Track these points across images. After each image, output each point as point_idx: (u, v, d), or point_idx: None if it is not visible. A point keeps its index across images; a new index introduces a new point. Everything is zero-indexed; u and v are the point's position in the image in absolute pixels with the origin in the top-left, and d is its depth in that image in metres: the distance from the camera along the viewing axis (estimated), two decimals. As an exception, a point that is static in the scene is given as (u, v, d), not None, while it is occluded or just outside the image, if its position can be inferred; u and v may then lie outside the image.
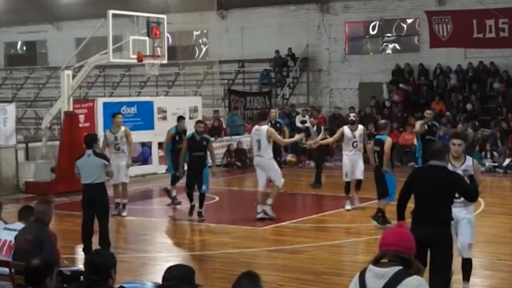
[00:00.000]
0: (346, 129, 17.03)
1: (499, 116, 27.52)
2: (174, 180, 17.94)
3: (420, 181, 8.68)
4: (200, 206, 15.94)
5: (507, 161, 24.32)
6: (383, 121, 17.15)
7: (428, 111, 19.22)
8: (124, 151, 17.09)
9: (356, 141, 16.95)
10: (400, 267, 4.90)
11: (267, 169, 16.01)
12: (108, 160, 13.11)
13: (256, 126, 16.40)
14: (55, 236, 8.94)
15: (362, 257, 12.17)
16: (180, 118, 18.47)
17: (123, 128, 17.21)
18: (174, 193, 18.07)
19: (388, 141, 15.18)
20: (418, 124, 18.56)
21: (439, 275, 8.37)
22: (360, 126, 17.36)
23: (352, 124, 17.08)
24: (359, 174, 16.99)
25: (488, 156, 24.77)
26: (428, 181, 8.57)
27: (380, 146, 15.07)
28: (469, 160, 9.71)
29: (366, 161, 16.92)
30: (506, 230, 14.51)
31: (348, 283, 5.18)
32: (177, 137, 17.75)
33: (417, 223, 8.38)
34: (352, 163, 16.89)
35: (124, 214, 16.74)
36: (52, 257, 8.74)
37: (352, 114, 18.06)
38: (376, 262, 5.00)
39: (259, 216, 15.84)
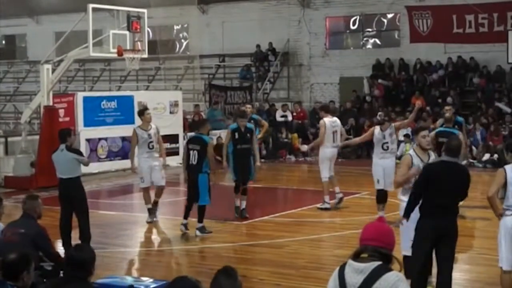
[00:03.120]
0: (376, 129, 15.09)
1: (478, 111, 27.67)
2: (237, 187, 15.87)
3: (437, 177, 8.77)
4: (199, 220, 14.11)
5: (486, 155, 24.46)
6: (447, 114, 16.19)
7: (447, 107, 17.46)
8: (157, 151, 15.76)
9: (387, 143, 14.98)
10: (380, 262, 4.92)
11: (333, 160, 16.75)
12: (81, 154, 13.03)
13: (330, 118, 16.67)
14: (45, 229, 9.05)
15: (342, 252, 12.20)
16: (241, 115, 16.25)
17: (154, 125, 15.72)
18: (238, 203, 15.86)
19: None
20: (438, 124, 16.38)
21: (449, 264, 8.85)
22: (392, 124, 15.30)
23: (382, 124, 15.12)
24: (389, 184, 14.55)
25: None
26: (445, 177, 8.73)
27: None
28: (432, 155, 9.89)
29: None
30: (485, 224, 14.58)
31: (329, 277, 5.17)
32: (236, 135, 15.65)
33: (430, 217, 8.70)
34: (384, 168, 14.88)
35: (155, 219, 15.68)
36: (53, 251, 8.87)
37: (379, 113, 16.45)
38: (356, 256, 5.02)
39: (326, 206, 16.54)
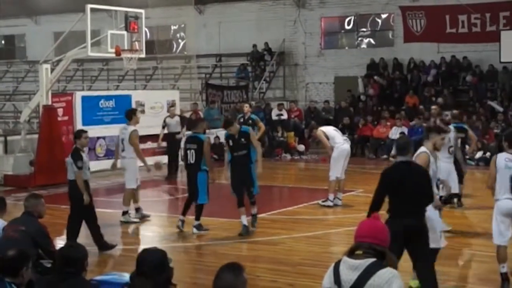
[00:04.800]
0: None
1: (470, 109, 27.90)
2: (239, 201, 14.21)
3: (398, 178, 8.90)
4: (197, 218, 14.18)
5: (478, 154, 24.70)
6: (455, 111, 16.73)
7: (433, 106, 18.02)
8: None
9: (452, 146, 14.18)
10: (374, 259, 4.99)
11: (347, 158, 16.75)
12: (77, 160, 12.61)
13: (323, 127, 17.10)
14: (45, 228, 9.12)
15: (338, 248, 12.31)
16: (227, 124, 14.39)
17: None
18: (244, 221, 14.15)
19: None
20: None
21: (427, 262, 8.90)
22: (451, 127, 14.62)
23: (448, 125, 14.42)
24: (456, 186, 13.73)
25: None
26: (403, 182, 8.83)
27: (465, 133, 15.78)
28: (436, 155, 10.24)
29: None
30: (478, 221, 14.70)
31: (324, 274, 5.24)
32: (230, 142, 14.12)
33: (398, 217, 8.66)
34: (448, 173, 13.37)
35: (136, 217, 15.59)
36: (53, 249, 9.00)
37: (445, 113, 15.82)
38: (351, 253, 5.08)
39: (328, 204, 16.48)
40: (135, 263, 5.74)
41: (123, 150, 15.62)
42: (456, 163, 14.62)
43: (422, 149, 10.00)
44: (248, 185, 14.05)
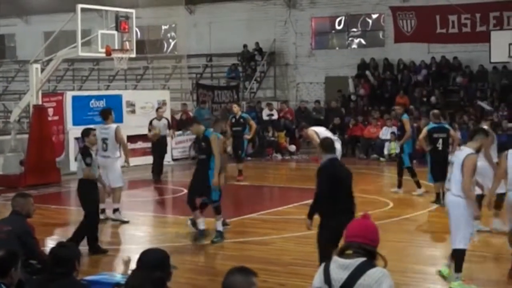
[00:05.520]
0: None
1: (463, 109, 27.98)
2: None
3: (339, 173, 9.17)
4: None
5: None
6: (436, 111, 16.98)
7: (396, 106, 19.14)
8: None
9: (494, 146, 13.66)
10: (364, 259, 5.01)
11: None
12: (85, 156, 12.57)
13: (315, 128, 17.24)
14: (32, 228, 9.05)
15: None
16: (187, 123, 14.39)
17: None
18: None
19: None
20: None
21: None
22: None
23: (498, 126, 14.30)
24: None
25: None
26: (341, 174, 9.17)
27: (446, 133, 16.01)
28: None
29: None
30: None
31: (314, 273, 5.27)
32: (196, 145, 14.17)
33: (337, 215, 8.85)
34: (486, 172, 12.55)
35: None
36: (38, 250, 8.96)
37: (496, 115, 16.04)
38: (341, 253, 5.11)
39: None
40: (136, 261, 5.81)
41: (105, 150, 15.44)
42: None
43: (469, 150, 9.68)
44: (205, 193, 13.40)
